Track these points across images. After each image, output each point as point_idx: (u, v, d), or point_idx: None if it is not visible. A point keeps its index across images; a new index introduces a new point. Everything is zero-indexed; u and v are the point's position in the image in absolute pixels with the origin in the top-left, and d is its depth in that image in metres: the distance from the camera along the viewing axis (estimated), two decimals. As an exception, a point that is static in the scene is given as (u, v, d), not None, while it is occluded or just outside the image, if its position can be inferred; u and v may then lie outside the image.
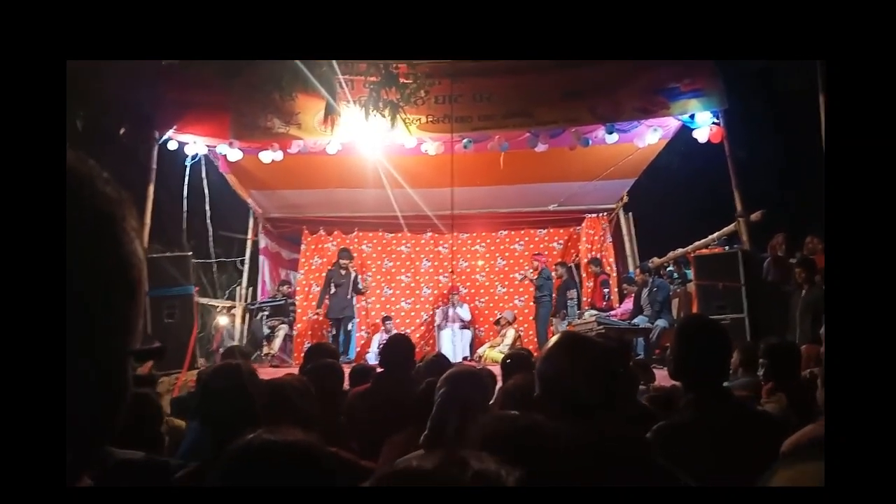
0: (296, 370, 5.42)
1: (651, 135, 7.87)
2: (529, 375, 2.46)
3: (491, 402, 2.60)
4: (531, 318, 10.63)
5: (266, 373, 6.82)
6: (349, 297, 9.74)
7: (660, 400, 3.28)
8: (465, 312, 10.66)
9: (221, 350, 9.65)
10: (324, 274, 10.37)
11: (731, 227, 7.66)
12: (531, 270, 10.05)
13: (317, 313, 9.57)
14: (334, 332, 9.71)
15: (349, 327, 9.80)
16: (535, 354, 7.62)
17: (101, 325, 0.53)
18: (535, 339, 9.93)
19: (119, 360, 0.56)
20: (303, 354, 4.77)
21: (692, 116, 7.46)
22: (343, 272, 9.71)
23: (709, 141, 7.47)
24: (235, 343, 9.58)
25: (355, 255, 10.54)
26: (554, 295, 9.88)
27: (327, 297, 9.69)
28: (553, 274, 10.00)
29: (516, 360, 3.63)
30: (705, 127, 7.43)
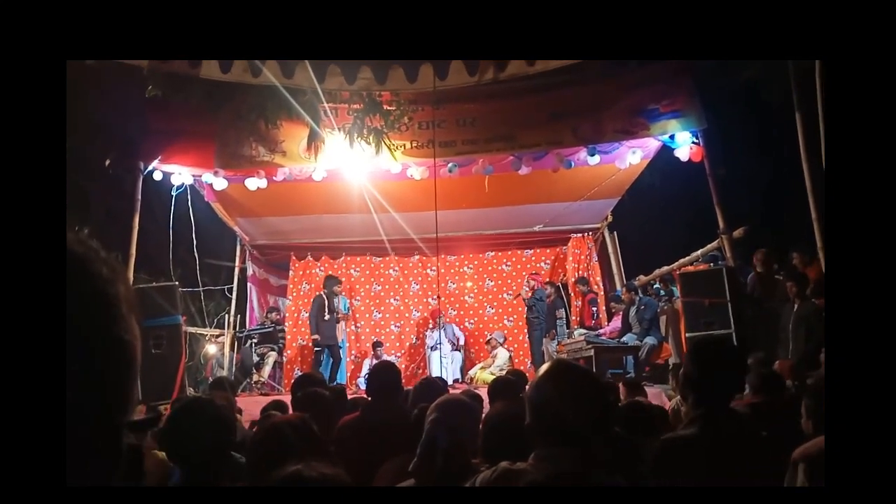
0: (285, 398, 5.41)
1: (631, 156, 7.99)
2: (511, 402, 2.49)
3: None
4: (520, 338, 10.66)
5: (256, 401, 6.80)
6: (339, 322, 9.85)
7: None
8: (458, 331, 10.70)
9: (211, 379, 9.61)
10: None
11: (714, 244, 7.76)
12: (526, 289, 10.10)
13: (315, 338, 9.57)
14: (320, 359, 9.64)
15: (340, 353, 9.86)
16: (530, 377, 7.66)
17: (96, 402, 0.56)
18: (530, 362, 9.94)
19: (115, 435, 0.59)
20: (291, 385, 4.75)
21: (672, 137, 7.58)
22: (336, 298, 9.78)
23: (690, 160, 7.59)
24: (224, 372, 9.54)
25: (343, 279, 10.60)
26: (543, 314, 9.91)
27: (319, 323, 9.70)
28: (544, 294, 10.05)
29: (501, 386, 3.64)
30: (685, 146, 7.54)
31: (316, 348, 9.58)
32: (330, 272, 10.68)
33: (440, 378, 5.67)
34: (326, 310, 9.61)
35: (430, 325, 10.77)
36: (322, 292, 9.86)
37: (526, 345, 10.33)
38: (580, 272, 10.65)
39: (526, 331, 10.14)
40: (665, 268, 9.30)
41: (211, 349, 10.24)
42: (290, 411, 4.14)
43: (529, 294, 9.92)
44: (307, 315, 10.78)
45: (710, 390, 2.09)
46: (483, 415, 2.86)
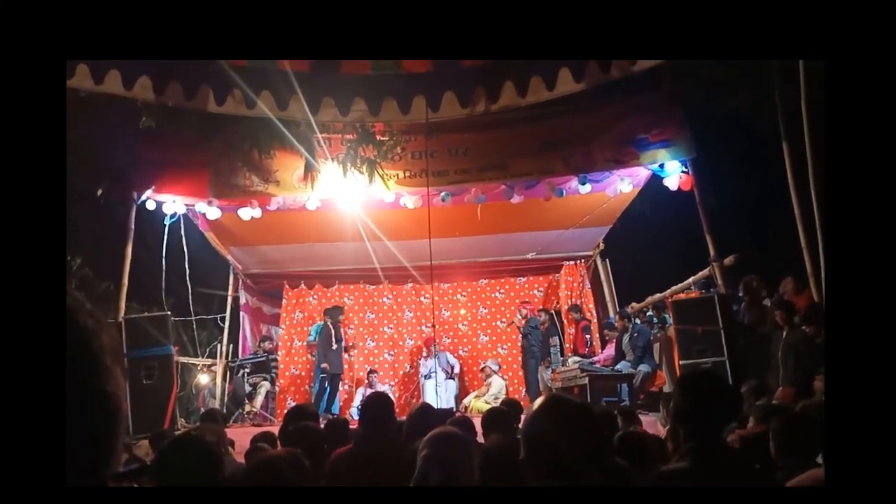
0: (278, 429, 5.37)
1: (621, 184, 8.09)
2: (507, 436, 2.49)
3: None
4: (514, 366, 10.63)
5: (247, 432, 6.72)
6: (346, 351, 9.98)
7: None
8: (452, 359, 10.66)
9: (202, 410, 9.52)
10: (308, 328, 10.47)
11: (705, 271, 7.81)
12: (519, 317, 10.13)
13: (325, 366, 9.59)
14: (324, 387, 9.61)
15: (338, 384, 9.87)
16: (524, 405, 7.62)
17: (80, 456, 0.57)
18: (524, 391, 9.91)
19: (100, 485, 0.59)
20: (283, 417, 4.72)
21: (662, 166, 7.68)
22: (340, 328, 9.90)
23: (679, 189, 7.68)
24: (216, 402, 9.46)
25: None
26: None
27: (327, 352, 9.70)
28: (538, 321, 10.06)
29: (494, 417, 3.63)
30: (675, 175, 7.63)
31: (322, 375, 9.56)
32: (335, 302, 10.70)
33: (448, 409, 5.66)
34: (334, 339, 9.62)
35: (424, 354, 10.72)
36: (328, 322, 9.87)
37: (521, 373, 10.30)
38: (573, 299, 10.67)
39: (520, 359, 10.12)
40: (657, 295, 9.33)
41: (203, 379, 10.15)
42: (279, 444, 4.11)
43: (523, 322, 9.92)
44: (300, 344, 10.76)
45: (701, 422, 2.10)
46: (475, 443, 2.85)
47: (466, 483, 2.23)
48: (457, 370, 10.66)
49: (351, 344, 10.44)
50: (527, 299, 10.84)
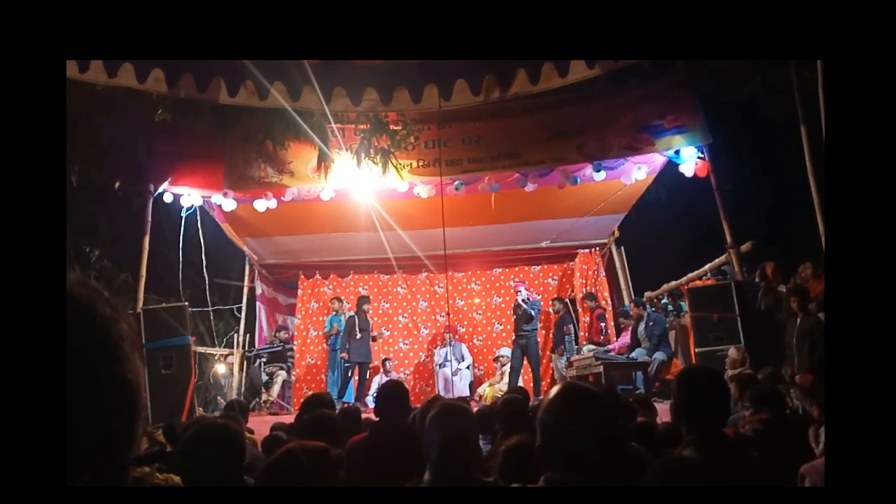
0: (293, 417, 5.42)
1: (636, 172, 8.01)
2: (526, 436, 2.49)
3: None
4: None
5: (264, 420, 6.80)
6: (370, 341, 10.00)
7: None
8: (465, 351, 10.65)
9: (220, 398, 9.65)
10: (323, 318, 10.54)
11: (722, 258, 7.75)
12: (519, 300, 10.02)
13: (343, 356, 9.65)
14: (347, 376, 9.67)
15: (366, 372, 9.90)
16: (532, 395, 7.56)
17: (101, 441, 0.58)
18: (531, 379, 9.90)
19: (120, 471, 0.61)
20: (300, 405, 4.77)
21: (677, 152, 7.60)
22: (366, 317, 9.91)
23: (695, 175, 7.60)
24: (234, 392, 9.56)
25: (352, 297, 10.66)
26: (552, 330, 9.91)
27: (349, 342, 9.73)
28: (551, 309, 10.02)
29: (511, 408, 3.64)
30: (691, 162, 7.56)
31: (346, 365, 9.64)
32: (350, 292, 10.73)
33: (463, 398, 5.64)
34: (357, 328, 9.67)
35: (439, 343, 10.76)
36: (353, 312, 9.93)
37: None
38: (588, 288, 10.63)
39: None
40: (673, 283, 9.27)
41: (220, 369, 10.27)
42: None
43: (523, 306, 9.81)
44: (316, 333, 10.85)
45: (701, 417, 2.12)
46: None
47: (473, 450, 2.24)
48: (469, 361, 10.65)
49: (377, 333, 10.46)
50: (524, 280, 10.71)
